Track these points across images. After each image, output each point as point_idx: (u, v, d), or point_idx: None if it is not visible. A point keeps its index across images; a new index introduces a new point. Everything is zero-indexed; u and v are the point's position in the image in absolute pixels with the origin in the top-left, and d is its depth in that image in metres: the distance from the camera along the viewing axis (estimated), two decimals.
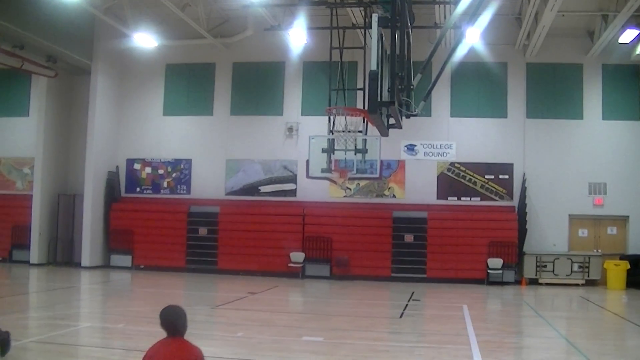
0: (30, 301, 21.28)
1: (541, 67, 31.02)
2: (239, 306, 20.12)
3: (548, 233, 30.40)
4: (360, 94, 22.55)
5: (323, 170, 23.13)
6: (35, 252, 32.50)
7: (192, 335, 14.77)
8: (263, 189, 32.87)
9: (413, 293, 25.22)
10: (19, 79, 34.03)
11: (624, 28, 26.93)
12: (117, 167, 34.03)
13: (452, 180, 31.33)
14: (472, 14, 18.94)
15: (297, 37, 29.97)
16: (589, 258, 29.42)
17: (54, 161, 33.45)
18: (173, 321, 6.13)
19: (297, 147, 31.71)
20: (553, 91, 30.90)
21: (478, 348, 13.50)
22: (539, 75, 31.05)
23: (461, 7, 19.24)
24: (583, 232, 30.61)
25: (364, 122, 22.36)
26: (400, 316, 19.45)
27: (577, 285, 29.00)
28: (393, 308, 22.45)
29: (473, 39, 27.75)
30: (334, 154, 23.15)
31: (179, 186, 33.76)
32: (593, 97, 30.67)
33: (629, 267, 28.23)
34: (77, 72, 33.63)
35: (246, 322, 17.08)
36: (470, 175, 31.17)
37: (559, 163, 30.54)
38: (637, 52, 28.94)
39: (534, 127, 30.89)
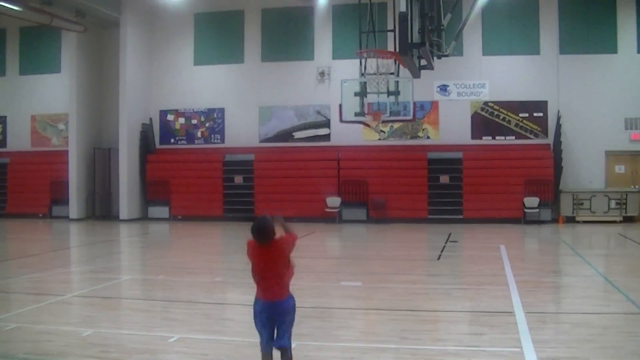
0: (71, 256, 21.54)
1: (573, 1, 30.52)
2: None
3: (584, 170, 30.20)
4: (391, 35, 22.23)
5: (356, 114, 23.08)
6: (74, 207, 32.95)
7: (231, 284, 14.98)
8: (297, 134, 32.90)
9: (450, 234, 25.25)
10: (49, 36, 34.29)
11: None
12: (151, 118, 34.19)
13: (486, 120, 31.13)
14: None
15: None
16: (626, 194, 29.22)
17: (87, 116, 33.65)
18: (264, 230, 7.30)
19: (330, 91, 31.61)
20: (586, 25, 30.41)
21: (516, 288, 13.50)
22: (571, 10, 30.57)
23: None
24: (620, 168, 30.34)
25: (395, 63, 22.18)
26: (438, 258, 19.47)
27: (614, 222, 28.87)
28: (431, 250, 22.46)
29: None
30: (366, 97, 23.07)
31: (213, 135, 33.88)
32: (627, 29, 30.17)
33: None
34: (106, 25, 33.65)
35: None
36: (504, 113, 30.94)
37: (594, 99, 30.19)
38: None
39: (568, 63, 30.49)
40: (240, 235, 26.86)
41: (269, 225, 7.33)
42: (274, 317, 7.33)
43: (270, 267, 7.34)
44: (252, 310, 7.49)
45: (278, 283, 7.35)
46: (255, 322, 7.46)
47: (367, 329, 10.84)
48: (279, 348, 7.39)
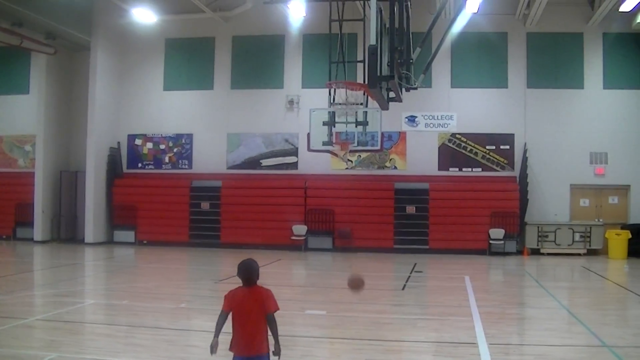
0: (35, 279, 21.36)
1: (541, 37, 30.95)
2: None
3: (549, 203, 30.47)
4: (360, 65, 22.49)
5: (324, 143, 23.15)
6: (39, 230, 32.66)
7: (196, 310, 14.94)
8: (265, 162, 32.93)
9: (415, 264, 25.32)
10: (18, 57, 34.02)
11: None
12: (119, 143, 34.06)
13: (453, 151, 31.36)
14: None
15: (296, 9, 30.01)
16: (591, 228, 29.49)
17: (55, 138, 33.49)
18: (249, 273, 7.37)
19: (298, 119, 31.70)
20: (554, 61, 30.85)
21: (480, 319, 13.60)
22: (540, 45, 31.00)
23: None
24: (584, 202, 30.67)
25: (364, 94, 22.33)
26: (403, 288, 19.53)
27: (578, 255, 29.12)
28: (396, 280, 22.52)
29: (473, 9, 27.67)
30: (334, 126, 23.15)
31: (180, 161, 33.81)
32: (594, 66, 30.62)
33: (630, 236, 28.29)
34: (77, 48, 33.59)
35: None
36: (471, 145, 31.19)
37: (560, 133, 30.55)
38: (638, 21, 28.91)
39: (535, 96, 30.86)
40: (207, 262, 26.89)
41: (255, 266, 7.43)
42: None
43: (252, 314, 7.26)
44: (220, 337, 7.32)
45: (259, 333, 7.27)
46: None
47: (332, 358, 10.87)
48: None
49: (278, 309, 7.43)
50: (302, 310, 14.87)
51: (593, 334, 12.37)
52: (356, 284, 7.73)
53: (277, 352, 7.37)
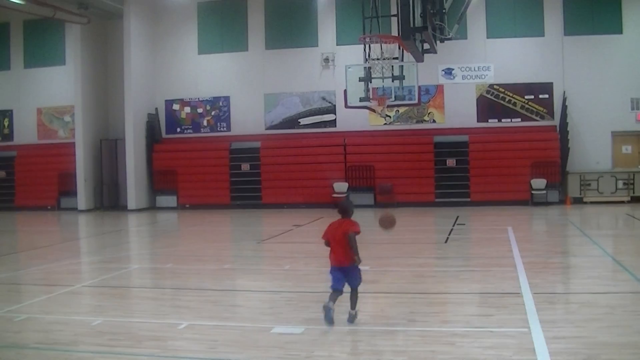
0: (80, 246, 21.59)
1: None
2: (285, 239, 20.30)
3: (591, 151, 30.16)
4: (394, 20, 22.23)
5: (361, 99, 23.08)
6: (82, 199, 33.06)
7: (240, 271, 15.05)
8: (303, 121, 32.95)
9: (458, 217, 25.23)
10: (52, 28, 34.34)
11: None
12: (156, 108, 34.24)
13: (491, 102, 31.11)
14: None
15: None
16: (634, 174, 29.17)
17: (93, 107, 33.72)
18: (345, 209, 9.92)
19: (334, 77, 31.60)
20: (590, 6, 30.33)
21: (524, 269, 13.50)
22: None
23: None
24: (627, 149, 30.30)
25: (399, 48, 22.16)
26: (446, 241, 19.47)
27: (622, 202, 28.84)
28: (438, 233, 22.48)
29: None
30: (371, 82, 23.02)
31: (218, 124, 33.93)
32: (632, 9, 30.08)
33: None
34: (110, 16, 33.70)
35: (292, 255, 17.23)
36: (509, 96, 30.90)
37: (599, 80, 30.10)
38: None
39: (572, 44, 30.41)
40: (248, 222, 27.03)
41: (351, 204, 10.04)
42: (344, 275, 9.66)
43: (338, 236, 9.63)
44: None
45: (347, 250, 9.47)
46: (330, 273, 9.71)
47: (376, 312, 10.88)
48: (352, 288, 9.70)
49: (358, 231, 9.57)
50: None
51: (638, 281, 12.25)
52: (388, 222, 9.24)
53: (357, 262, 9.56)
